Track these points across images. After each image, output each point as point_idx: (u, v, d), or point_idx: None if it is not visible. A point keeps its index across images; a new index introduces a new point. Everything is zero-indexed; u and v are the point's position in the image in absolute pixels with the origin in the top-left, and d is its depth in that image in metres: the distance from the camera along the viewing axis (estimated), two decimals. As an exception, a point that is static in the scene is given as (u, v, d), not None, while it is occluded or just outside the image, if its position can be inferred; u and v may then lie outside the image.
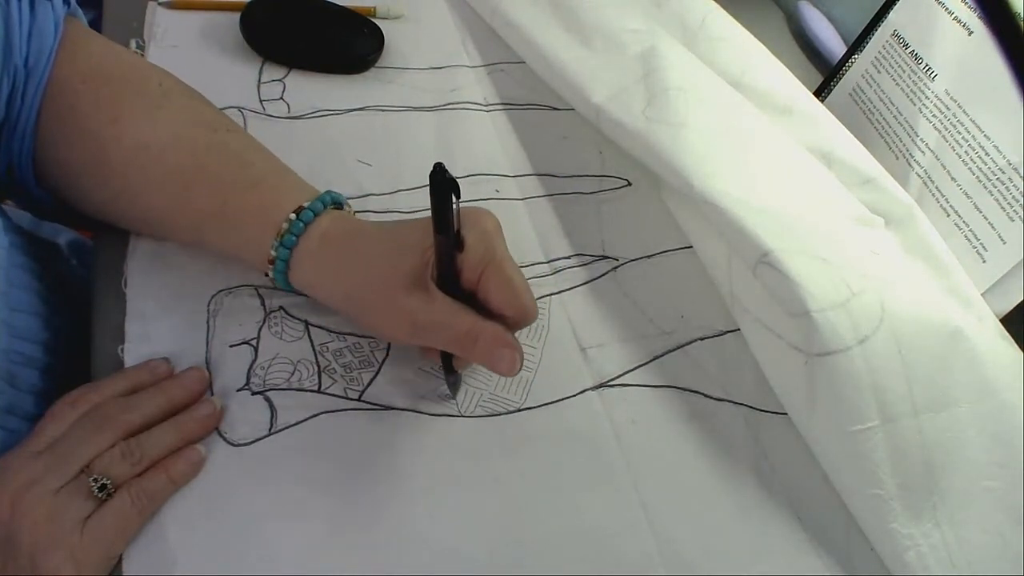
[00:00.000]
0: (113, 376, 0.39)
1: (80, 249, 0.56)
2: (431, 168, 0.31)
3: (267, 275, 0.41)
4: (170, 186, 0.41)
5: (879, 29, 0.57)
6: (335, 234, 0.40)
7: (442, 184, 0.32)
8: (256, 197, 0.41)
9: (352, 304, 0.40)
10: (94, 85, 0.42)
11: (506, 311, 0.37)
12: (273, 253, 0.40)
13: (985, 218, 0.49)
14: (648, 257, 0.51)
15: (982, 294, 0.48)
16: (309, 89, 0.56)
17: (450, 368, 0.41)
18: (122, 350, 0.41)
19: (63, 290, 0.47)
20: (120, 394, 0.38)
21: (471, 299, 0.38)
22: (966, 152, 0.50)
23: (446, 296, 0.37)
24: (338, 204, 0.42)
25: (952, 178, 0.51)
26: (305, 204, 0.40)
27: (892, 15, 0.56)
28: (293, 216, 0.39)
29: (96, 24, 0.52)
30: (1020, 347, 0.45)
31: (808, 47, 0.71)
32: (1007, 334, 0.46)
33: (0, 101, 0.40)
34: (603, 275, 0.50)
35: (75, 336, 0.44)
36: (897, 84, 0.56)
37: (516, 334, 0.38)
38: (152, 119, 0.42)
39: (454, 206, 0.33)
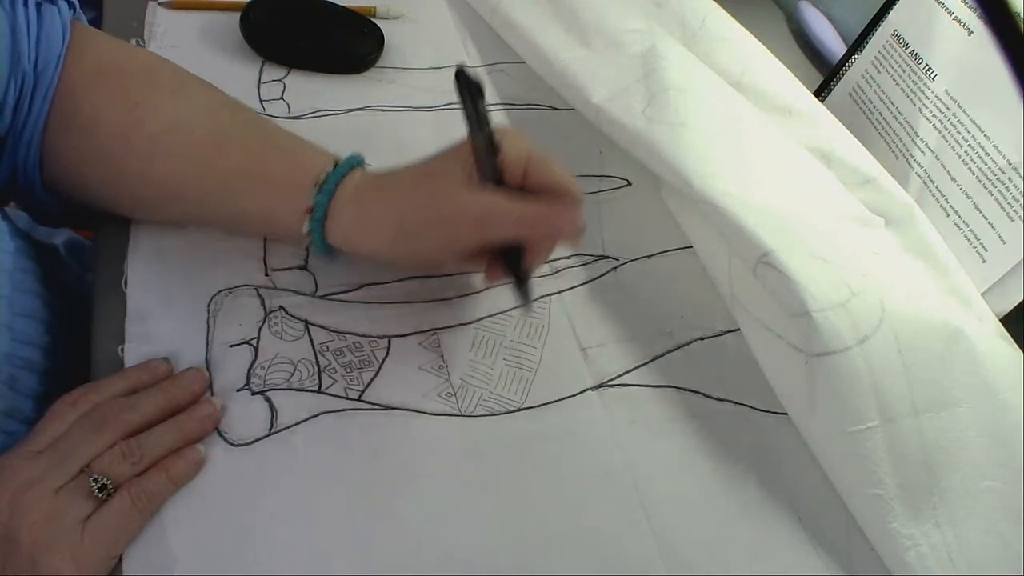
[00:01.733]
0: (113, 376, 0.39)
1: (78, 250, 0.56)
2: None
3: (303, 231, 0.41)
4: (198, 155, 0.42)
5: (879, 29, 0.57)
6: (369, 180, 0.41)
7: (467, 83, 0.34)
8: (286, 157, 0.42)
9: (405, 231, 0.39)
10: (107, 79, 0.42)
11: (558, 195, 0.38)
12: (311, 202, 0.40)
13: (985, 218, 0.49)
14: (648, 257, 0.51)
15: (982, 294, 0.48)
16: (309, 89, 0.56)
17: (518, 273, 0.40)
18: (122, 350, 0.41)
19: (63, 293, 0.47)
20: (120, 394, 0.38)
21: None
22: (966, 152, 0.50)
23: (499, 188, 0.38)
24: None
25: (952, 178, 0.51)
26: (339, 160, 0.41)
27: (892, 15, 0.56)
28: (331, 168, 0.40)
29: (96, 24, 0.52)
30: (1020, 347, 0.45)
31: (808, 47, 0.71)
32: (1007, 334, 0.46)
33: (7, 107, 0.40)
34: (603, 275, 0.50)
35: (75, 340, 0.44)
36: (897, 84, 0.56)
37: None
38: (173, 102, 0.43)
39: (483, 104, 0.35)
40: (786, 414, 0.44)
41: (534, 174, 0.39)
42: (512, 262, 0.40)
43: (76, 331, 0.44)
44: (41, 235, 0.55)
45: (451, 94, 0.58)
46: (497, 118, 0.57)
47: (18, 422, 0.40)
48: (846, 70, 0.60)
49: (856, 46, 0.59)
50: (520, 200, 0.38)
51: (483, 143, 0.37)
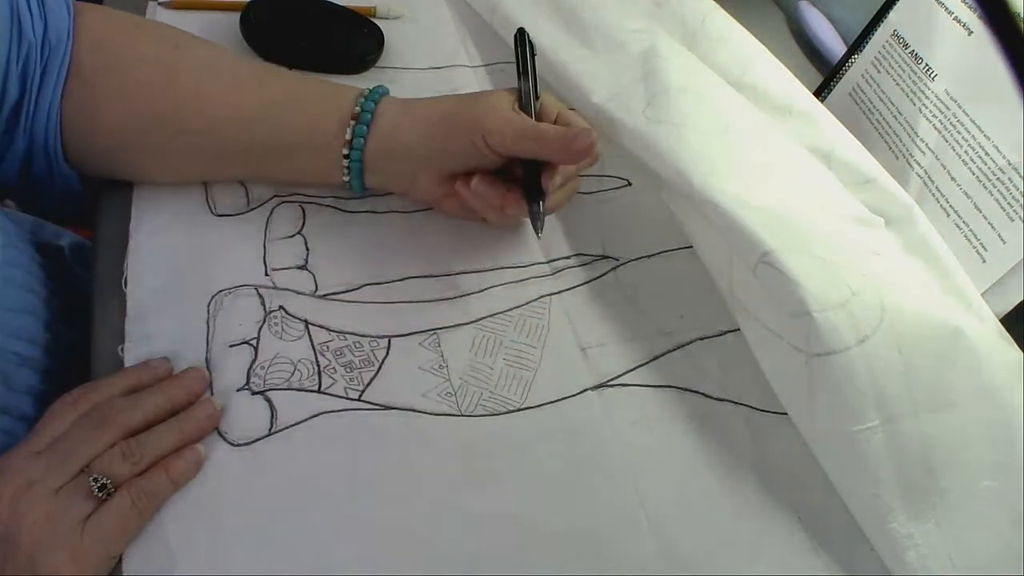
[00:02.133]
0: (113, 376, 0.39)
1: (82, 251, 0.56)
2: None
3: (346, 137, 0.44)
4: (242, 82, 0.45)
5: (879, 29, 0.57)
6: (409, 99, 0.46)
7: (525, 39, 0.47)
8: (327, 82, 0.47)
9: (446, 121, 0.44)
10: (144, 28, 0.47)
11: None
12: (357, 109, 0.44)
13: (985, 218, 0.49)
14: (648, 257, 0.51)
15: (982, 294, 0.48)
16: None
17: (535, 196, 0.44)
18: (122, 350, 0.41)
19: (66, 293, 0.47)
20: (120, 394, 0.38)
21: None
22: (966, 152, 0.50)
23: None
24: None
25: (952, 178, 0.51)
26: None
27: (892, 15, 0.56)
28: (371, 88, 0.45)
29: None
30: (1020, 347, 0.45)
31: (808, 47, 0.70)
32: (1007, 334, 0.46)
33: (13, 79, 0.40)
34: (603, 275, 0.50)
35: (77, 340, 0.44)
36: (897, 84, 0.56)
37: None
38: (207, 46, 0.47)
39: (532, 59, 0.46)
40: (786, 414, 0.44)
41: (562, 120, 0.45)
42: (530, 187, 0.44)
43: (78, 331, 0.44)
44: (47, 236, 0.55)
45: (451, 94, 0.58)
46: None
47: (14, 419, 0.40)
48: (846, 70, 0.60)
49: (856, 46, 0.59)
50: (555, 126, 0.44)
51: (530, 86, 0.45)
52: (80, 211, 0.49)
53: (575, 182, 0.48)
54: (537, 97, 0.45)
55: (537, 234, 0.44)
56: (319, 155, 0.45)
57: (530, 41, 0.47)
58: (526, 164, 0.44)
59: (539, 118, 0.45)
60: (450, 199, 0.46)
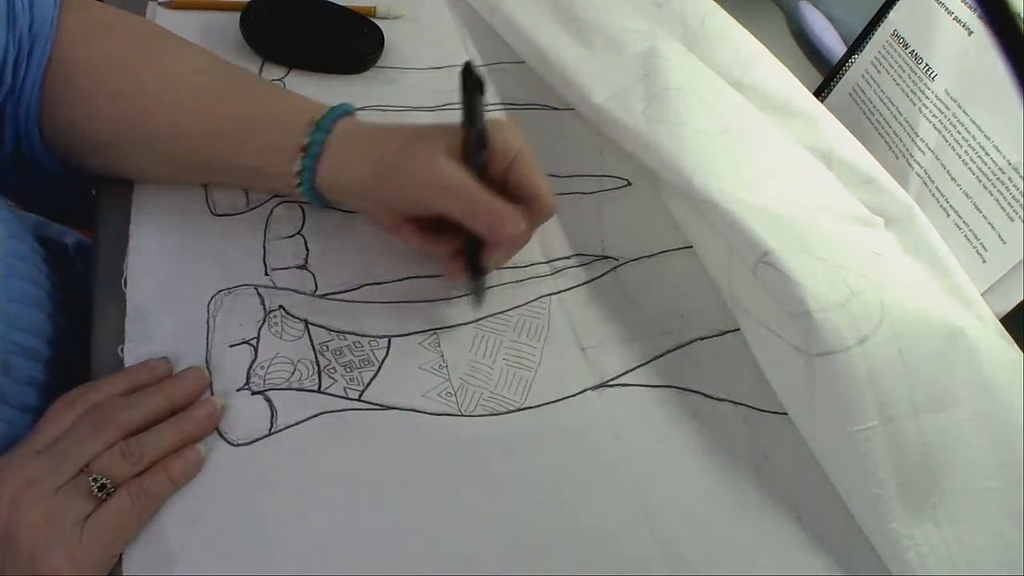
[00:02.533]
0: (113, 375, 0.39)
1: (86, 251, 0.56)
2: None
3: (295, 169, 0.43)
4: (206, 94, 0.45)
5: (879, 29, 0.57)
6: (361, 126, 0.44)
7: (471, 79, 0.38)
8: (287, 101, 0.46)
9: (380, 173, 0.41)
10: (115, 29, 0.46)
11: (532, 199, 0.41)
12: (306, 140, 0.42)
13: (985, 218, 0.49)
14: (648, 257, 0.51)
15: (982, 294, 0.48)
16: (309, 89, 0.55)
17: (475, 266, 0.42)
18: (122, 350, 0.41)
19: (69, 290, 0.47)
20: (120, 393, 0.38)
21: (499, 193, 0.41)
22: (966, 152, 0.50)
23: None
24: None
25: (952, 178, 0.51)
26: (334, 105, 0.44)
27: (892, 15, 0.56)
28: (325, 111, 0.43)
29: (96, 24, 0.52)
30: (1020, 347, 0.45)
31: (808, 47, 0.71)
32: (1007, 334, 0.46)
33: (7, 67, 0.41)
34: (603, 275, 0.50)
35: (80, 337, 0.44)
36: (897, 84, 0.56)
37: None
38: (182, 51, 0.47)
39: (481, 102, 0.39)
40: (786, 414, 0.44)
41: (515, 172, 0.41)
42: (474, 255, 0.42)
43: (81, 328, 0.44)
44: (49, 234, 0.55)
45: (451, 94, 0.58)
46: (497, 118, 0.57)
47: (16, 409, 0.39)
48: (846, 70, 0.60)
49: (856, 46, 0.59)
50: (484, 190, 0.40)
51: (473, 137, 0.40)
52: (80, 210, 0.49)
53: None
54: (483, 147, 0.41)
55: (478, 304, 0.45)
56: (277, 176, 0.44)
57: (478, 78, 0.39)
58: (470, 240, 0.42)
59: (490, 161, 0.41)
60: (402, 228, 0.44)
